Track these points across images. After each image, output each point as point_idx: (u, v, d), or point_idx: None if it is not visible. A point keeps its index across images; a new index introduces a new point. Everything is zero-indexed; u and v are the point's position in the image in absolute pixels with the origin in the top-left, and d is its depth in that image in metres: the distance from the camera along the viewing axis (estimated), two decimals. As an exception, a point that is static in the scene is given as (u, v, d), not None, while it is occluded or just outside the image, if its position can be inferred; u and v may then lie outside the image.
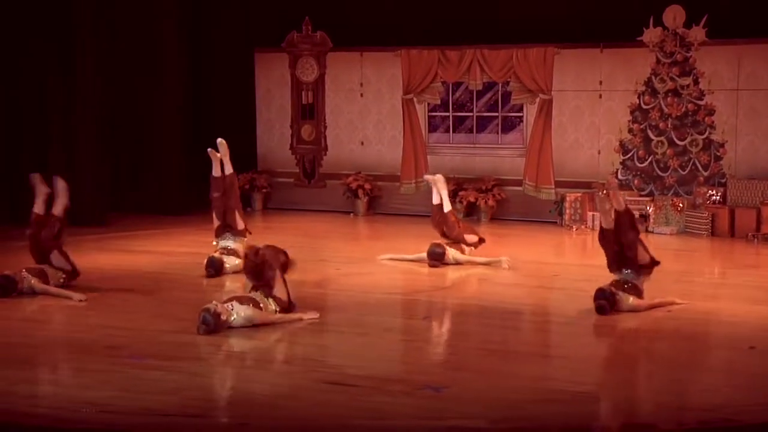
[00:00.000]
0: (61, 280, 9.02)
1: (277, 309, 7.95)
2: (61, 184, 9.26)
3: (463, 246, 10.56)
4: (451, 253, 10.43)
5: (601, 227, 8.59)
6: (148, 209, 14.10)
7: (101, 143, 13.36)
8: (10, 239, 11.13)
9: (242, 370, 6.87)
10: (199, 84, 15.18)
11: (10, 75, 13.13)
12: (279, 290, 8.05)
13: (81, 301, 8.69)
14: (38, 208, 9.22)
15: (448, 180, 13.93)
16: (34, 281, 8.88)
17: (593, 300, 8.29)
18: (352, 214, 14.59)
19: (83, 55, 13.07)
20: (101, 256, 10.91)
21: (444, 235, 10.67)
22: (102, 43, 13.29)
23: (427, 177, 11.39)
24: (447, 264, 10.37)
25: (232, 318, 7.66)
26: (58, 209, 9.22)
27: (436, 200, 10.84)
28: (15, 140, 13.23)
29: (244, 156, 15.35)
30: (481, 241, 10.74)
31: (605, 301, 8.24)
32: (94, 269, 9.97)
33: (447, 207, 10.74)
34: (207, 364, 7.03)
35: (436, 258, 10.34)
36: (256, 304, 7.82)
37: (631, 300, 8.35)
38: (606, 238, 8.53)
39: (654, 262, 8.56)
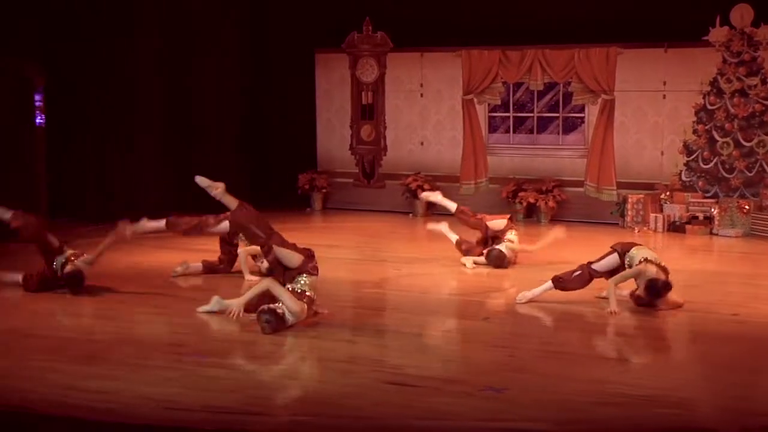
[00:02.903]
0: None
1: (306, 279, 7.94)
2: None
3: (506, 237, 10.56)
4: (505, 247, 10.41)
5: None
6: (209, 209, 14.23)
7: (162, 143, 13.54)
8: (81, 236, 11.34)
9: (303, 369, 6.91)
10: (259, 85, 15.31)
11: (71, 76, 13.38)
12: (288, 259, 7.99)
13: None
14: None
15: (507, 181, 14.01)
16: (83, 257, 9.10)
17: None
18: (411, 215, 14.60)
19: (143, 54, 13.25)
20: (163, 255, 11.04)
21: (472, 226, 10.80)
22: (162, 43, 13.47)
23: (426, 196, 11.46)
24: (510, 262, 10.36)
25: (287, 315, 7.69)
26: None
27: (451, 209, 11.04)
28: (77, 141, 13.48)
29: (304, 156, 15.49)
30: (511, 219, 10.94)
31: (647, 299, 8.41)
32: (156, 267, 10.13)
33: (452, 209, 10.93)
34: (268, 363, 7.07)
35: (498, 262, 10.35)
36: (298, 296, 7.83)
37: (651, 269, 8.45)
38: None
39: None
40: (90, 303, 8.73)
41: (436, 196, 11.26)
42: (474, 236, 10.89)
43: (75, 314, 8.35)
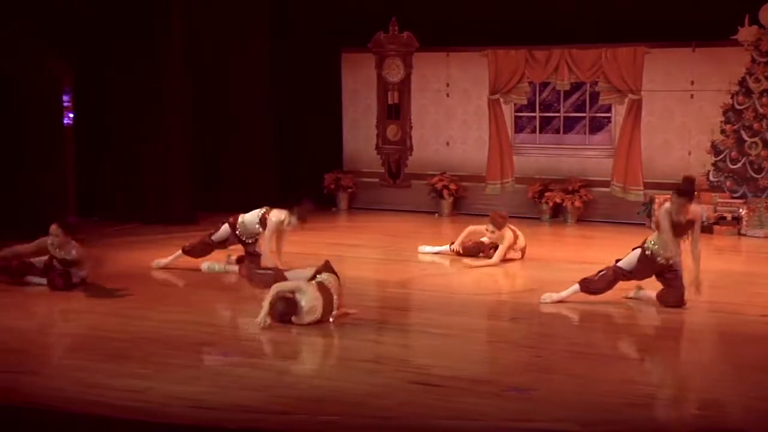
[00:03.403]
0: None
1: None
2: None
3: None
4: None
5: None
6: (236, 208, 14.29)
7: (190, 143, 13.60)
8: (107, 236, 11.42)
9: (328, 369, 6.92)
10: (286, 85, 15.34)
11: (99, 76, 13.50)
12: (298, 276, 8.16)
13: None
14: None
15: (533, 181, 13.99)
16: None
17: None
18: (436, 215, 14.58)
19: (170, 55, 13.30)
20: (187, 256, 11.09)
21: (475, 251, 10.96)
22: (190, 44, 13.52)
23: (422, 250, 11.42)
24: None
25: (298, 296, 7.76)
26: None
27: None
28: (105, 141, 13.60)
29: (330, 156, 15.51)
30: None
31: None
32: (184, 267, 10.17)
33: (447, 249, 11.12)
34: (294, 362, 7.10)
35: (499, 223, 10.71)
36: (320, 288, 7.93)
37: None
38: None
39: None
40: (117, 302, 8.79)
41: (432, 248, 11.25)
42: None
43: (103, 313, 8.40)
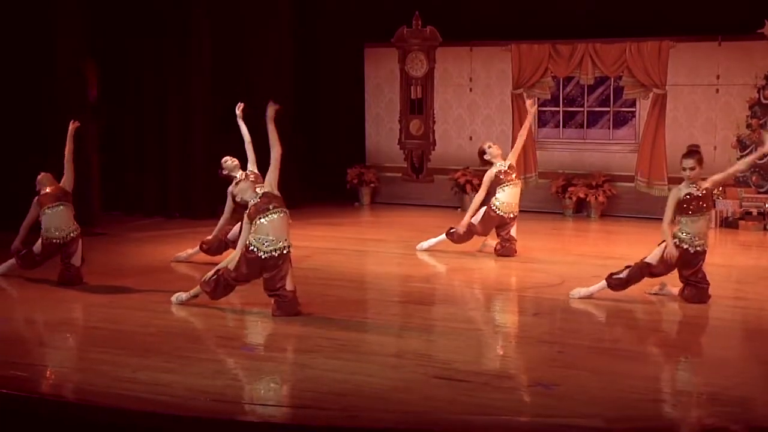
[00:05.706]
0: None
1: None
2: None
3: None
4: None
5: None
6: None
7: (214, 140, 13.64)
8: (133, 230, 11.49)
9: (352, 363, 6.92)
10: (309, 79, 15.35)
11: (127, 76, 13.57)
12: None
13: None
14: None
15: (557, 176, 13.92)
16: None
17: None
18: (459, 209, 14.51)
19: (195, 53, 13.36)
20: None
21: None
22: (214, 41, 13.57)
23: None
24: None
25: None
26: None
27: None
28: (132, 138, 13.67)
29: (353, 150, 15.51)
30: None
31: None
32: (208, 261, 10.20)
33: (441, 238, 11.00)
34: (317, 356, 7.10)
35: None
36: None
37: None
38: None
39: None
40: (141, 296, 8.83)
41: (431, 241, 11.18)
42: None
43: (127, 307, 8.44)
